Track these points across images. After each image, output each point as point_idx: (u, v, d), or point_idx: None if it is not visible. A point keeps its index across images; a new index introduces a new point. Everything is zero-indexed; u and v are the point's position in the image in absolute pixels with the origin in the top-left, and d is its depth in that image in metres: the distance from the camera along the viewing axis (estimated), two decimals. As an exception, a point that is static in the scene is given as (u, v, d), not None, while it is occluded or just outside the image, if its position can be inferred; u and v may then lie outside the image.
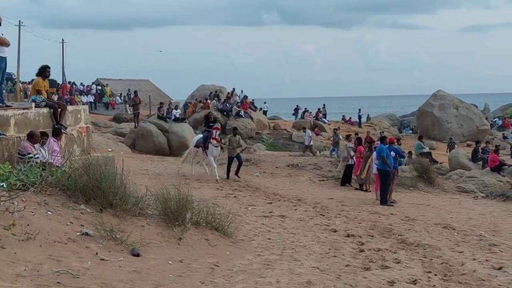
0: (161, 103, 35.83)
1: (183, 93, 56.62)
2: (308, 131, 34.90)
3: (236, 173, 21.71)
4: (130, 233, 9.19)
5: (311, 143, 33.66)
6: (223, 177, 21.48)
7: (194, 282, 7.95)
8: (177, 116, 34.32)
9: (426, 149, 32.83)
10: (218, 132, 21.44)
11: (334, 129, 38.13)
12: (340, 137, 33.99)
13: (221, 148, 21.97)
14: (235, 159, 21.83)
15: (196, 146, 22.48)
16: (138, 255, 8.67)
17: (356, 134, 30.14)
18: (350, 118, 55.77)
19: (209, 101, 43.65)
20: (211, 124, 22.33)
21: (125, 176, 10.66)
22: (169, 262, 8.76)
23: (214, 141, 21.22)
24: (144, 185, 12.32)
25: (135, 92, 41.58)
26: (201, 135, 23.14)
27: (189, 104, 45.80)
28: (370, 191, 19.80)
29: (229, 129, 40.43)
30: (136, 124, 35.98)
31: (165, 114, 33.47)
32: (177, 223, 10.30)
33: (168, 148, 31.99)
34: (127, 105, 48.31)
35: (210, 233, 10.56)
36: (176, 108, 36.14)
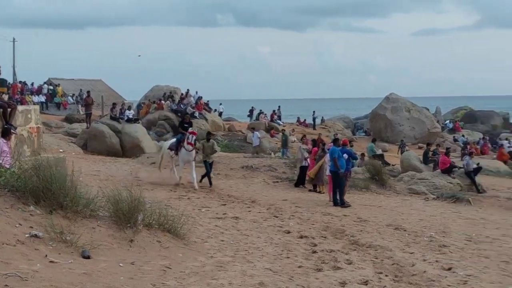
0: (114, 104, 35.40)
1: (137, 94, 56.16)
2: (256, 132, 34.67)
3: (200, 180, 20.36)
4: (81, 235, 9.04)
5: (259, 144, 33.46)
6: (200, 185, 20.02)
7: (145, 284, 7.87)
8: (130, 117, 34.04)
9: (379, 152, 33.26)
10: (194, 138, 20.13)
11: (282, 130, 38.03)
12: (289, 137, 34.00)
13: (196, 153, 20.52)
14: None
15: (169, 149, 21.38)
16: (88, 257, 8.53)
17: (304, 136, 30.42)
18: (305, 120, 56.09)
19: (163, 102, 43.37)
20: (186, 126, 21.28)
21: (76, 177, 10.48)
22: (120, 264, 8.65)
23: (189, 146, 19.89)
24: (95, 186, 12.16)
25: (88, 92, 41.10)
26: (174, 139, 21.93)
27: (142, 105, 45.42)
28: (324, 193, 19.93)
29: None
30: (88, 125, 35.53)
31: (118, 115, 33.13)
32: (128, 225, 10.18)
33: (120, 149, 31.68)
34: (79, 106, 47.60)
35: (162, 235, 10.46)
36: (129, 108, 35.82)
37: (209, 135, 21.60)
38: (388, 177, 23.51)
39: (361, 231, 13.68)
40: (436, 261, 10.79)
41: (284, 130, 36.98)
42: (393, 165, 31.06)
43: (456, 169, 25.53)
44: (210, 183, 20.22)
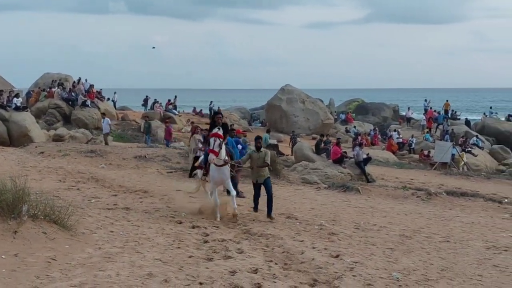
0: (1, 91, 33.97)
1: (27, 81, 54.05)
2: (107, 119, 33.58)
3: (255, 208, 14.80)
4: (-41, 227, 8.59)
5: (108, 130, 32.61)
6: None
7: (29, 276, 7.62)
8: (18, 105, 32.77)
9: (274, 142, 33.67)
10: (219, 142, 13.89)
11: (145, 116, 37.16)
12: (151, 124, 33.55)
13: (233, 169, 14.65)
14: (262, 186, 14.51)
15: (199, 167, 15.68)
16: (-33, 250, 8.12)
17: (193, 122, 30.51)
18: (201, 110, 55.95)
19: (53, 89, 42.00)
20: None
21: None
22: (3, 256, 8.35)
23: (212, 156, 13.82)
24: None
25: (-27, 78, 39.23)
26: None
27: (32, 93, 43.81)
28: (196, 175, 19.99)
29: (74, 119, 39.39)
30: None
31: (5, 103, 31.85)
32: (12, 216, 9.75)
33: (8, 138, 30.55)
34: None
35: (48, 226, 10.08)
36: (17, 96, 34.42)
37: (258, 140, 14.75)
38: (282, 167, 23.77)
39: (253, 220, 13.77)
40: (325, 248, 11.01)
41: (147, 117, 36.17)
42: (287, 155, 31.52)
43: (347, 159, 26.21)
44: (256, 209, 14.67)
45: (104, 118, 33.31)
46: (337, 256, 10.43)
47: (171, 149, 29.16)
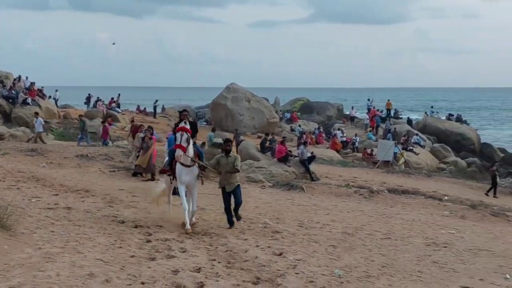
0: None
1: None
2: (40, 119, 32.89)
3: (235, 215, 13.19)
4: None
5: (42, 130, 31.98)
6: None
7: (-37, 279, 7.37)
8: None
9: (219, 140, 33.56)
10: (186, 137, 12.69)
11: (79, 116, 36.58)
12: (86, 123, 33.18)
13: (200, 170, 13.10)
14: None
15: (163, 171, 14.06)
16: None
17: (132, 121, 30.26)
18: (145, 108, 55.44)
19: (-7, 87, 40.96)
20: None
21: None
22: None
23: (179, 151, 12.53)
24: None
25: None
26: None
27: (-30, 91, 42.63)
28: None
29: (15, 117, 38.46)
30: None
31: None
32: None
33: None
34: None
35: (-14, 226, 9.86)
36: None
37: (228, 143, 13.35)
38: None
39: (197, 219, 13.69)
40: (268, 246, 11.05)
41: (82, 115, 35.64)
42: (231, 153, 31.46)
43: (292, 157, 26.36)
44: (231, 222, 13.01)
45: (37, 117, 32.47)
46: (280, 254, 10.49)
47: (114, 148, 28.80)
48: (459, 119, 57.35)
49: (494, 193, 25.03)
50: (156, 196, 14.73)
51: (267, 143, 29.60)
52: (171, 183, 13.69)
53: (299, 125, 53.15)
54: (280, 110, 60.33)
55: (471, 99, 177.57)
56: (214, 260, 9.90)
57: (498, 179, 26.38)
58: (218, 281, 8.68)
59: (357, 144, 44.56)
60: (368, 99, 59.77)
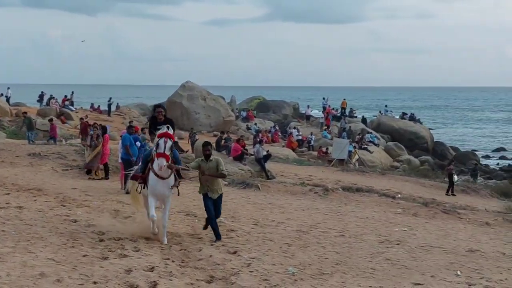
0: None
1: None
2: None
3: (204, 227, 12.24)
4: None
5: None
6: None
7: None
8: None
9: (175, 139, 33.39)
10: (170, 144, 11.26)
11: (23, 113, 35.96)
12: (32, 120, 32.68)
13: (176, 178, 11.71)
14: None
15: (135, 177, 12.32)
16: None
17: (82, 119, 30.00)
18: (99, 106, 54.79)
19: None
20: (159, 128, 11.51)
21: None
22: None
23: (162, 160, 11.00)
24: None
25: None
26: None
27: None
28: (96, 178, 19.70)
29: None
30: None
31: None
32: None
33: None
34: None
35: None
36: None
37: (207, 147, 11.92)
38: (182, 165, 23.58)
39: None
40: (223, 245, 11.05)
41: (26, 113, 35.04)
42: (186, 151, 31.39)
43: (247, 156, 26.38)
44: (217, 235, 11.67)
45: None
46: (234, 253, 10.49)
47: (66, 146, 28.39)
48: (412, 118, 58.23)
49: (452, 192, 25.41)
50: (133, 191, 12.66)
51: (223, 142, 29.56)
52: (139, 191, 11.98)
53: (255, 124, 53.24)
54: (236, 109, 60.30)
55: (424, 98, 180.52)
56: (168, 259, 9.85)
57: (455, 178, 26.81)
58: (171, 280, 8.64)
59: (312, 142, 44.86)
60: (324, 98, 60.18)
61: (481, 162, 50.83)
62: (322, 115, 53.77)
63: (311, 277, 9.36)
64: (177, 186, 11.86)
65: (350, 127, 48.11)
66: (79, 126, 36.44)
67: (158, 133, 11.29)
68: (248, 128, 51.78)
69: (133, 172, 12.86)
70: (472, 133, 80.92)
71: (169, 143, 11.15)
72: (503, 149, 61.93)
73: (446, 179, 27.11)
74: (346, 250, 11.54)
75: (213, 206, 11.69)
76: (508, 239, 14.37)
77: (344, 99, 59.16)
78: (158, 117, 12.08)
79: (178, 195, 12.16)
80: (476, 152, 56.06)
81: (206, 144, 12.12)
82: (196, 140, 35.08)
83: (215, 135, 42.34)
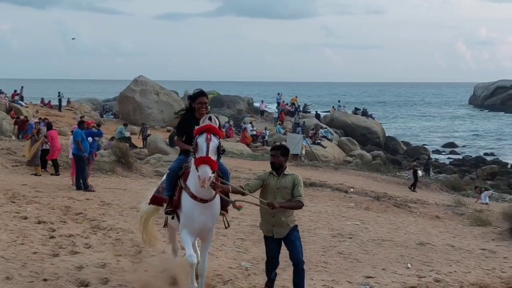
0: None
1: None
2: None
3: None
4: None
5: None
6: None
7: None
8: None
9: (127, 134, 33.17)
10: (215, 143, 7.47)
11: None
12: None
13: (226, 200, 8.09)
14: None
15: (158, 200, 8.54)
16: None
17: (18, 117, 29.56)
18: (50, 101, 53.91)
19: None
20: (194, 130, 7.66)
21: None
22: None
23: (204, 169, 7.24)
24: None
25: None
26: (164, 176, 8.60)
27: None
28: (40, 175, 19.52)
29: None
30: None
31: None
32: None
33: None
34: None
35: None
36: None
37: (277, 152, 8.05)
38: (134, 160, 23.46)
39: (103, 214, 13.46)
40: (179, 241, 10.97)
41: None
42: (140, 147, 31.16)
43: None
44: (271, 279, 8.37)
45: None
46: (182, 248, 10.42)
47: (16, 142, 27.86)
48: (365, 113, 58.87)
49: (414, 188, 25.80)
50: (143, 220, 9.38)
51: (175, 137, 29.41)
52: (167, 224, 8.32)
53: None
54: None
55: (376, 94, 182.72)
56: (120, 255, 9.75)
57: (419, 173, 27.26)
58: (123, 276, 8.55)
59: (266, 137, 44.96)
60: (278, 94, 60.39)
61: (431, 156, 51.76)
62: (276, 110, 53.93)
63: (264, 272, 9.36)
64: (226, 214, 8.36)
65: (304, 122, 48.38)
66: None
67: (197, 127, 7.48)
68: (202, 123, 51.57)
69: (153, 192, 8.72)
70: (423, 128, 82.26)
71: (215, 141, 7.41)
72: (453, 144, 63.15)
73: (407, 175, 27.64)
74: (299, 245, 11.59)
75: (279, 247, 7.99)
76: (457, 232, 14.69)
77: (296, 97, 59.58)
78: (199, 111, 8.16)
79: (226, 227, 8.57)
80: (427, 147, 57.03)
81: (277, 148, 8.13)
82: (148, 135, 34.82)
83: (168, 131, 42.13)
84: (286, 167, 7.97)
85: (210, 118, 7.54)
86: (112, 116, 54.47)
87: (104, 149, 25.76)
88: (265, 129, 46.53)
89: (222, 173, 8.08)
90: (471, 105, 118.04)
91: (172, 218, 8.05)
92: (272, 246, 7.99)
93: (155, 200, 8.55)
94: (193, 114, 8.17)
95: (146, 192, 9.37)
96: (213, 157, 7.35)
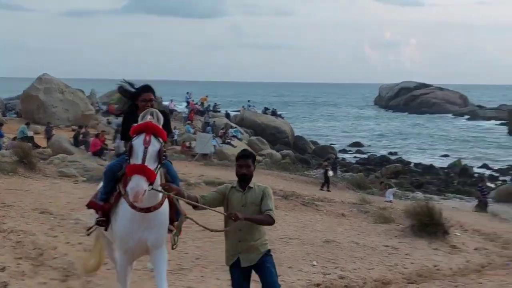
0: None
1: None
2: None
3: None
4: None
5: None
6: None
7: None
8: None
9: (30, 134, 32.16)
10: (155, 146, 6.15)
11: None
12: None
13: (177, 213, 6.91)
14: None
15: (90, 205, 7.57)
16: None
17: None
18: None
19: None
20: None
21: None
22: None
23: (137, 180, 5.94)
24: None
25: None
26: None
27: None
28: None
29: None
30: None
31: None
32: None
33: None
34: None
35: None
36: None
37: (246, 161, 7.17)
38: (37, 160, 22.72)
39: (3, 216, 12.90)
40: (80, 243, 10.70)
41: None
42: (43, 147, 30.27)
43: (107, 151, 25.85)
44: None
45: None
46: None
47: None
48: (274, 113, 59.51)
49: (327, 187, 26.25)
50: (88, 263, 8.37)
51: (81, 136, 28.75)
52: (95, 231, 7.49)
53: (117, 118, 52.14)
54: (97, 102, 58.84)
55: (285, 94, 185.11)
56: (21, 258, 9.39)
57: (330, 174, 27.71)
58: (23, 280, 8.26)
59: (176, 137, 44.64)
60: (187, 93, 60.13)
61: (338, 156, 52.89)
62: (186, 110, 53.74)
63: (170, 272, 9.23)
64: (176, 231, 6.68)
65: (214, 121, 48.38)
66: None
67: (135, 126, 6.30)
68: (109, 123, 50.64)
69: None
70: (330, 127, 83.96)
71: (155, 145, 6.16)
72: (359, 144, 64.73)
73: (315, 174, 28.10)
74: (208, 244, 11.52)
75: (247, 277, 6.69)
76: (362, 230, 15.01)
77: (207, 96, 59.61)
78: (144, 108, 6.90)
79: (173, 247, 6.68)
80: (334, 146, 58.24)
81: (246, 156, 7.11)
82: (53, 135, 33.84)
83: (73, 130, 41.07)
84: (251, 177, 6.84)
85: (152, 114, 6.31)
86: (15, 115, 52.61)
87: (6, 149, 24.81)
88: (174, 128, 46.17)
89: (171, 178, 6.90)
90: (376, 105, 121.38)
91: (106, 229, 6.88)
92: (238, 276, 6.64)
93: (92, 206, 7.36)
94: (136, 114, 6.70)
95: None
96: (152, 165, 6.03)
